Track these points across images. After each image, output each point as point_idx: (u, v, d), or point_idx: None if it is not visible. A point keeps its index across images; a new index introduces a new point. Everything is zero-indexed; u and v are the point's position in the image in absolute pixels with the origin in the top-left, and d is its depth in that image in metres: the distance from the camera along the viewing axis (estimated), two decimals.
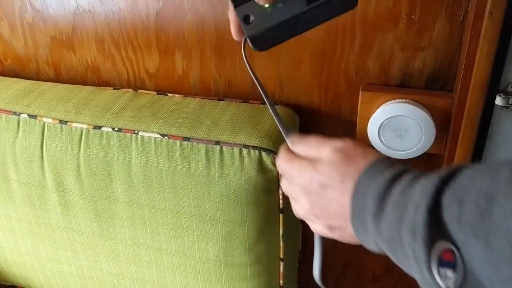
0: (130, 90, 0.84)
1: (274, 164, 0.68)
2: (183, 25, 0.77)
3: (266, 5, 0.47)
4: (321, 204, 0.45)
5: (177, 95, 0.81)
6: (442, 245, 0.33)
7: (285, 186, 0.51)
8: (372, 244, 0.41)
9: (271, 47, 0.49)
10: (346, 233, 0.45)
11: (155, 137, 0.72)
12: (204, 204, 0.71)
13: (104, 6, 0.80)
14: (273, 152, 0.68)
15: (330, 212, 0.45)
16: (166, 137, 0.71)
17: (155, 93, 0.83)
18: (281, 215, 0.73)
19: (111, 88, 0.86)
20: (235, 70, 0.79)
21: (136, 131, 0.73)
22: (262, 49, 0.49)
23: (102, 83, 0.88)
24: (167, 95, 0.82)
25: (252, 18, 0.48)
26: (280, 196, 0.71)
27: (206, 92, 0.82)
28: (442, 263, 0.33)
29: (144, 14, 0.79)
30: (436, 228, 0.34)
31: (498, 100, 0.62)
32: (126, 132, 0.73)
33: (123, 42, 0.82)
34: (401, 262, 0.38)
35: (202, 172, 0.70)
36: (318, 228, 0.48)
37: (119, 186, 0.75)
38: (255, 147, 0.68)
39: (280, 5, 0.47)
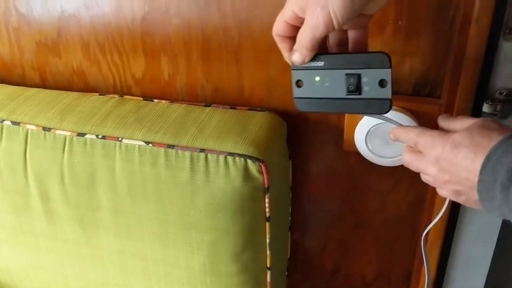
0: (116, 95, 0.83)
1: (260, 172, 0.67)
2: (169, 29, 0.76)
3: (317, 79, 0.55)
4: (449, 170, 0.48)
5: (163, 101, 0.80)
6: None
7: (410, 158, 0.55)
8: (496, 212, 0.44)
9: (311, 112, 0.62)
10: (471, 200, 0.49)
11: (139, 145, 0.70)
12: (189, 212, 0.70)
13: (89, 11, 0.79)
14: (259, 160, 0.66)
15: (458, 178, 0.48)
16: (150, 144, 0.70)
17: (141, 98, 0.82)
18: (267, 224, 0.72)
19: (97, 93, 0.85)
20: (222, 76, 0.78)
21: (120, 139, 0.71)
22: (303, 111, 0.58)
23: (88, 88, 0.87)
24: (153, 100, 0.81)
25: (303, 83, 0.56)
26: (267, 205, 0.70)
27: (193, 97, 0.81)
28: None
29: (129, 18, 0.77)
30: None
31: (486, 108, 0.61)
32: (110, 140, 0.72)
33: (108, 47, 0.81)
34: None
35: (187, 180, 0.68)
36: (446, 193, 0.53)
37: (103, 194, 0.74)
38: (240, 155, 0.67)
39: (327, 84, 0.55)
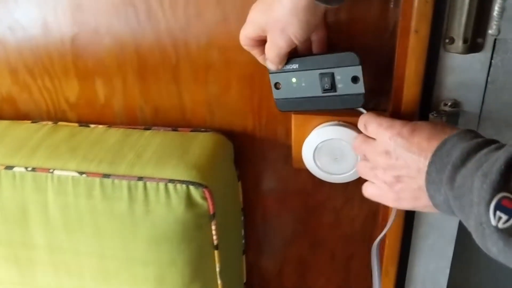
0: (50, 122, 0.77)
1: (203, 198, 0.63)
2: (101, 50, 0.72)
3: (294, 80, 0.59)
4: (400, 152, 0.49)
5: (100, 126, 0.75)
6: (505, 194, 0.37)
7: (360, 141, 0.57)
8: (438, 195, 0.45)
9: (291, 111, 0.63)
10: (409, 188, 0.50)
11: (72, 176, 0.65)
12: (130, 245, 0.65)
13: (14, 34, 0.74)
14: (202, 186, 0.62)
15: (406, 161, 0.49)
16: (84, 175, 0.65)
17: (76, 124, 0.76)
18: (216, 252, 0.68)
19: (29, 121, 0.79)
20: (161, 96, 0.73)
21: (51, 170, 0.66)
22: (283, 110, 0.63)
23: (20, 115, 0.81)
24: (89, 126, 0.76)
25: (281, 85, 0.61)
26: (214, 232, 0.66)
27: (132, 120, 0.77)
28: (499, 207, 0.37)
29: (58, 40, 0.72)
30: (507, 179, 0.37)
31: (431, 120, 0.59)
32: (40, 172, 0.66)
33: (38, 71, 0.76)
34: (462, 209, 0.42)
35: (126, 211, 0.64)
36: (377, 187, 0.54)
37: (37, 230, 0.69)
38: (182, 181, 0.62)
39: (303, 84, 0.59)
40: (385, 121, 0.53)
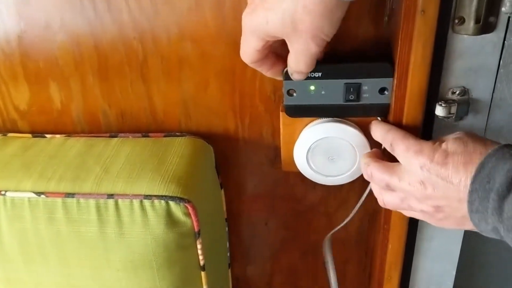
0: None
1: (186, 214, 0.55)
2: (54, 49, 0.62)
3: (312, 88, 0.54)
4: (435, 181, 0.44)
5: (57, 136, 0.65)
6: None
7: (379, 169, 0.50)
8: (485, 224, 0.41)
9: (302, 117, 0.58)
10: (452, 216, 0.45)
11: (29, 197, 0.56)
12: (103, 273, 0.57)
13: None
14: (184, 200, 0.54)
15: (444, 192, 0.44)
16: (42, 195, 0.55)
17: (29, 135, 0.66)
18: (202, 273, 0.60)
19: None
20: (128, 97, 0.64)
21: (3, 192, 0.56)
22: (294, 117, 0.58)
23: None
24: (45, 136, 0.66)
25: (295, 92, 0.55)
26: (199, 251, 0.58)
27: (95, 127, 0.67)
28: None
29: (3, 39, 0.62)
30: None
31: (439, 110, 0.53)
32: None
33: None
34: None
35: (95, 235, 0.55)
36: (418, 213, 0.49)
37: None
38: (160, 197, 0.54)
39: (323, 92, 0.55)
40: (413, 144, 0.47)
